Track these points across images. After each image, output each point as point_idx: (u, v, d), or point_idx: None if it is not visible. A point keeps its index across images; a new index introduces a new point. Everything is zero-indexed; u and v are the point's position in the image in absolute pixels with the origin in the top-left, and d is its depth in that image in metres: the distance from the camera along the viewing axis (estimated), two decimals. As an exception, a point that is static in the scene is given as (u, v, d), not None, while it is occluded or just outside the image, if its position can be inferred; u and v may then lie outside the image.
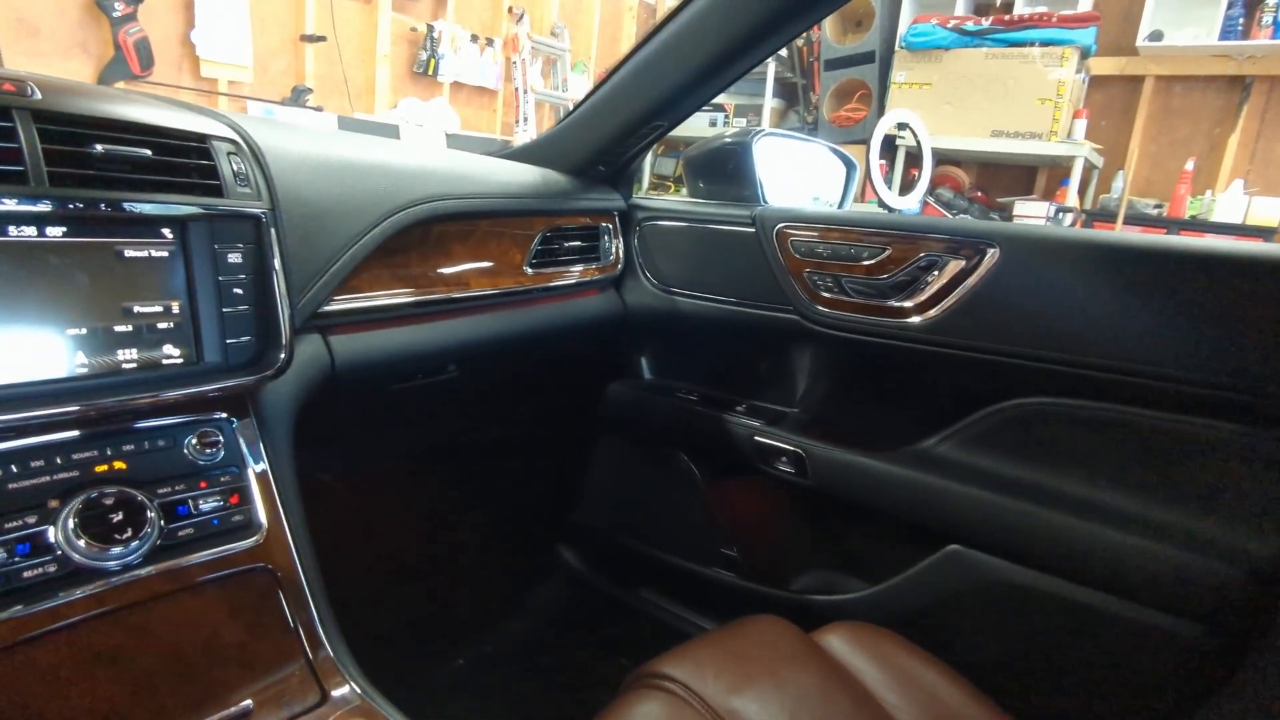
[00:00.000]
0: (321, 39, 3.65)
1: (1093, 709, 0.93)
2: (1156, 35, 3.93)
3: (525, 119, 4.52)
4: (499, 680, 1.31)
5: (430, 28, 4.14)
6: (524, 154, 1.19)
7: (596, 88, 1.11)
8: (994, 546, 0.97)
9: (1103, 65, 4.17)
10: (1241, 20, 3.73)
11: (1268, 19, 3.66)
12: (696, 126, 4.77)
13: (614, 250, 1.25)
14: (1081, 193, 4.14)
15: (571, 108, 1.17)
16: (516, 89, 4.55)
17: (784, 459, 1.14)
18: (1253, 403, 0.80)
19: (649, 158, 4.10)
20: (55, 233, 0.55)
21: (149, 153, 0.60)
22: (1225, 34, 3.75)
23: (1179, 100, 4.10)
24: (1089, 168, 4.14)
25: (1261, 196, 3.76)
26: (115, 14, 2.86)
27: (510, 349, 1.10)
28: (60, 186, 0.55)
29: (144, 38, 2.94)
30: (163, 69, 3.08)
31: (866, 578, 1.14)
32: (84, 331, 0.57)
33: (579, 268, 1.18)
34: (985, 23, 4.10)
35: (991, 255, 0.93)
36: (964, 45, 4.13)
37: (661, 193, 5.27)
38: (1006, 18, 4.07)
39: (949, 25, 4.16)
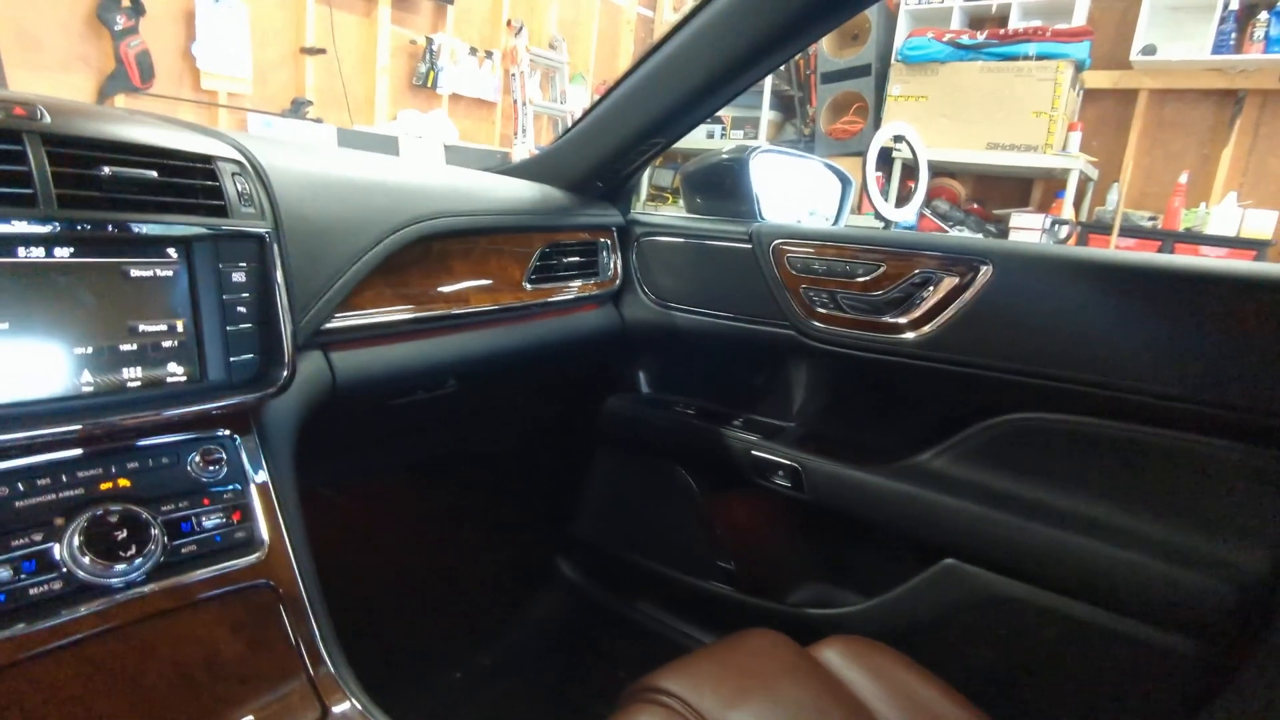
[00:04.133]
0: (321, 52, 3.67)
1: None
2: (1150, 49, 3.96)
3: (524, 131, 4.55)
4: (497, 693, 1.31)
5: (429, 40, 4.17)
6: (523, 170, 1.21)
7: (595, 104, 1.12)
8: (988, 561, 0.98)
9: (1097, 79, 4.21)
10: (1233, 35, 3.77)
11: (1259, 33, 3.70)
12: (694, 138, 4.79)
13: (612, 266, 1.26)
14: (1077, 205, 4.17)
15: (570, 122, 1.18)
16: (515, 101, 4.58)
17: (780, 473, 1.14)
18: (1242, 419, 0.81)
19: (647, 170, 4.09)
20: (63, 253, 0.56)
21: (155, 174, 0.61)
22: (1218, 48, 3.79)
23: (1172, 114, 4.13)
24: (1084, 180, 4.17)
25: (1255, 209, 3.78)
26: (116, 27, 2.88)
27: (509, 364, 1.11)
28: (68, 208, 0.55)
29: (145, 51, 2.96)
30: (163, 82, 3.10)
31: (863, 591, 1.14)
32: (89, 350, 0.57)
33: (578, 283, 1.19)
34: (980, 36, 4.13)
35: (985, 272, 0.95)
36: (959, 59, 4.16)
37: (659, 204, 5.30)
38: (1002, 31, 4.11)
39: (944, 39, 4.20)
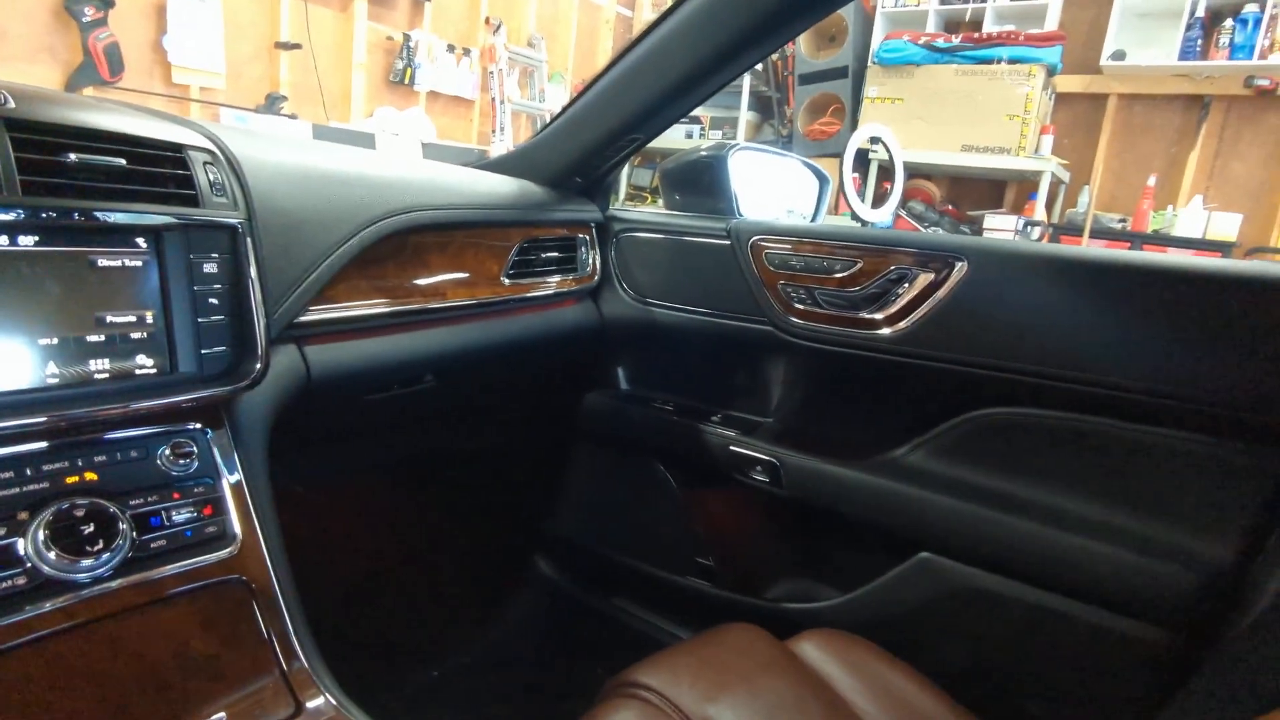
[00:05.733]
0: (296, 47, 3.63)
1: (1060, 711, 0.95)
2: (1119, 55, 4.05)
3: (502, 129, 4.53)
4: (475, 690, 1.30)
5: (407, 37, 4.14)
6: (502, 165, 1.20)
7: (574, 100, 1.12)
8: (963, 553, 0.99)
9: (1068, 83, 4.29)
10: (1200, 41, 3.86)
11: (1224, 40, 3.79)
12: (673, 138, 4.81)
13: (591, 261, 1.26)
14: (1049, 207, 4.24)
15: (549, 119, 1.17)
16: (493, 99, 4.56)
17: (759, 468, 1.15)
18: (1210, 413, 0.83)
19: (626, 169, 4.14)
20: (27, 242, 0.54)
21: (124, 162, 0.60)
22: (1185, 54, 3.88)
23: (1141, 118, 4.22)
24: (1056, 182, 4.24)
25: (1220, 212, 3.88)
26: (85, 19, 2.82)
27: (487, 359, 1.10)
28: (33, 195, 0.54)
29: (114, 43, 2.91)
30: (133, 75, 3.04)
31: (840, 585, 1.15)
32: (55, 341, 0.56)
33: (556, 278, 1.19)
34: (955, 40, 4.19)
35: (960, 268, 0.96)
36: (935, 61, 4.22)
37: (638, 203, 5.30)
38: (976, 35, 4.17)
39: (920, 42, 4.25)
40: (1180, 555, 0.84)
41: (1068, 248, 0.95)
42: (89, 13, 2.82)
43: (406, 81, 4.20)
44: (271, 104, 3.51)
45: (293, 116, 3.52)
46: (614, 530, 1.43)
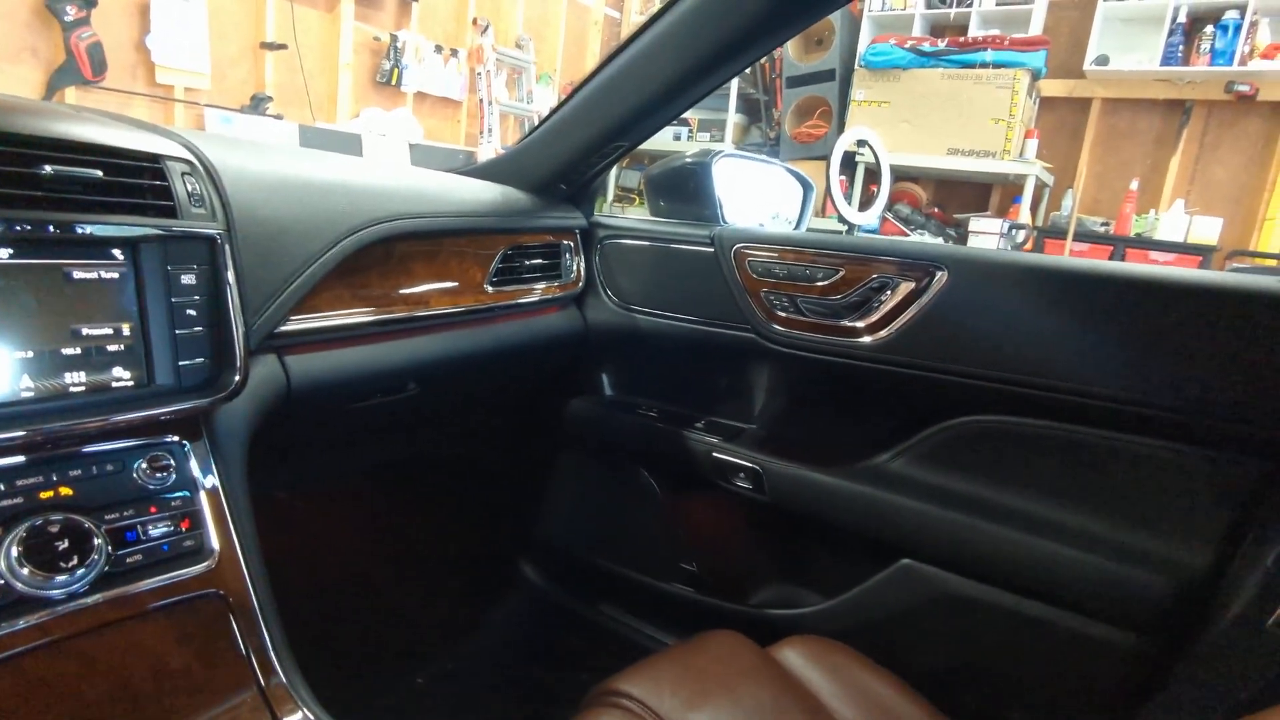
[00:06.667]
0: (282, 47, 3.61)
1: (1038, 716, 0.96)
2: (1102, 60, 4.09)
3: (489, 130, 4.52)
4: (459, 698, 1.29)
5: (394, 37, 4.12)
6: (485, 172, 1.20)
7: (559, 106, 1.12)
8: (943, 560, 1.00)
9: (1052, 87, 4.32)
10: (1181, 47, 3.91)
11: (1205, 46, 3.84)
12: (661, 140, 4.82)
13: (575, 268, 1.26)
14: (1033, 210, 4.28)
15: (536, 122, 1.17)
16: (481, 100, 4.55)
17: (742, 475, 1.15)
18: (1186, 422, 0.84)
19: (614, 170, 4.15)
20: (1, 254, 0.54)
21: (100, 173, 0.59)
22: (1166, 60, 3.92)
23: (1124, 122, 4.26)
24: (1040, 186, 4.27)
25: (1201, 216, 3.92)
26: (67, 18, 2.79)
27: (471, 366, 1.10)
28: (7, 208, 0.54)
29: (97, 42, 2.88)
30: (116, 75, 3.01)
31: (823, 592, 1.16)
32: (30, 354, 0.56)
33: (540, 285, 1.19)
34: (941, 44, 4.22)
35: (940, 278, 0.96)
36: (921, 65, 4.24)
37: (626, 205, 5.30)
38: (962, 39, 4.19)
39: (906, 45, 4.28)
40: (1156, 562, 0.85)
41: (1046, 258, 0.96)
42: (71, 11, 2.80)
43: (393, 82, 4.19)
44: (256, 105, 3.49)
45: (278, 117, 3.50)
46: (599, 536, 1.43)
